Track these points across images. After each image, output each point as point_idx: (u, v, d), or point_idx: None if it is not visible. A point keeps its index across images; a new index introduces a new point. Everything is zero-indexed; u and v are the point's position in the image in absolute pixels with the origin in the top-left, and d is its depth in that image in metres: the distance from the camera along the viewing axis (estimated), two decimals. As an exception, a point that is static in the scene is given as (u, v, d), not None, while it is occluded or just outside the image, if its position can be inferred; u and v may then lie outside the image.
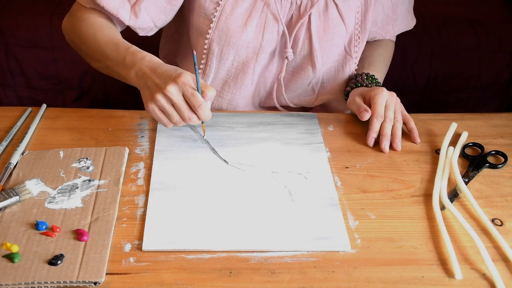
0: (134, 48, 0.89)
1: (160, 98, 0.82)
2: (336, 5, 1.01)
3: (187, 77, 0.82)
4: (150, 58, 0.87)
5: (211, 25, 0.99)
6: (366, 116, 0.94)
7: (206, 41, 1.01)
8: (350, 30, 1.05)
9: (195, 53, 0.84)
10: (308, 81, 1.08)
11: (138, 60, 0.87)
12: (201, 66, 1.05)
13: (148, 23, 1.00)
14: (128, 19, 0.97)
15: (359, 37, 1.07)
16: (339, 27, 1.02)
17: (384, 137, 0.93)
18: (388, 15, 1.12)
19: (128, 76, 0.88)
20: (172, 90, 0.81)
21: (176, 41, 1.12)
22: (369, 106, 0.96)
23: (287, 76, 1.08)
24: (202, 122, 0.90)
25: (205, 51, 1.03)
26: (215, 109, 1.11)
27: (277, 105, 1.11)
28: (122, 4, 0.96)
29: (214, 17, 0.98)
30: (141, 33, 1.02)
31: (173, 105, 0.83)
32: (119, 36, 0.95)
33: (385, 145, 0.92)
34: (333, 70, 1.09)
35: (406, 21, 1.18)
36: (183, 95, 0.82)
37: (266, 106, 1.14)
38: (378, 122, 0.94)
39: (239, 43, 1.00)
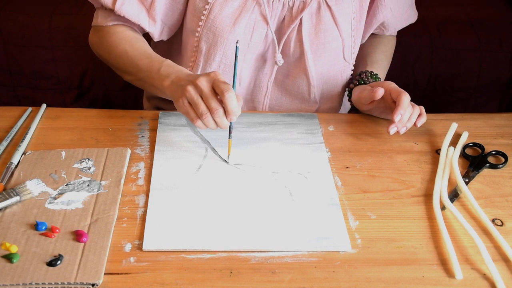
0: (169, 61, 0.93)
1: (190, 88, 0.83)
2: (329, 7, 0.99)
3: (220, 74, 0.84)
4: (187, 71, 0.91)
5: (200, 23, 0.99)
6: (380, 92, 0.92)
7: (196, 39, 1.01)
8: (345, 36, 1.02)
9: (238, 45, 0.84)
10: (304, 86, 1.06)
11: (175, 71, 0.90)
12: (190, 64, 1.05)
13: (163, 25, 1.03)
14: (148, 25, 1.01)
15: (355, 43, 1.06)
16: (331, 30, 1.00)
17: (399, 123, 0.91)
18: (395, 16, 1.11)
19: (162, 85, 0.90)
20: (203, 80, 0.82)
21: (168, 41, 1.12)
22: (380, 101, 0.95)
23: (282, 80, 1.06)
24: (230, 129, 0.87)
25: (195, 49, 1.03)
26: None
27: (266, 109, 1.09)
28: (140, 11, 0.99)
29: (203, 16, 0.98)
30: (157, 38, 1.05)
31: (201, 96, 0.83)
32: (150, 49, 0.99)
33: (393, 129, 0.90)
34: (333, 79, 1.07)
35: (408, 17, 1.16)
36: (213, 86, 0.82)
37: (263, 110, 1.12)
38: (406, 114, 0.91)
39: (226, 43, 0.99)
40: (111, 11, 1.00)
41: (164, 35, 1.05)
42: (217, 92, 0.82)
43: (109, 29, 1.02)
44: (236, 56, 0.85)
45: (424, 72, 1.61)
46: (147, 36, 1.05)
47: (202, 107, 0.82)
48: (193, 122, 0.84)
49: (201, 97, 0.82)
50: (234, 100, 0.81)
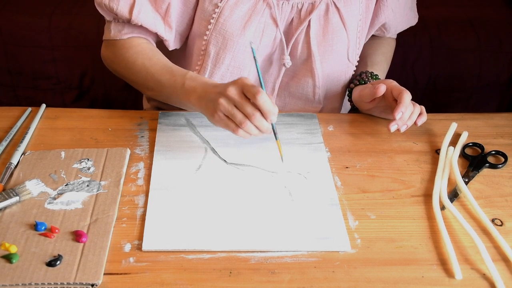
0: (191, 73, 0.91)
1: (222, 101, 0.82)
2: (338, 9, 0.99)
3: (246, 78, 0.83)
4: (211, 81, 0.89)
5: (209, 27, 0.98)
6: (382, 89, 0.92)
7: (204, 43, 1.00)
8: (351, 37, 1.03)
9: (252, 45, 0.84)
10: (309, 87, 1.06)
11: (199, 84, 0.88)
12: (196, 68, 1.04)
13: (175, 32, 1.01)
14: (164, 33, 0.99)
15: (359, 44, 1.06)
16: (339, 32, 1.01)
17: (399, 120, 0.91)
18: (397, 18, 1.11)
19: (189, 100, 0.89)
20: (232, 89, 0.82)
21: None
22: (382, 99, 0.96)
23: (287, 81, 1.06)
24: (274, 130, 0.87)
25: (202, 52, 1.02)
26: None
27: None
28: (156, 18, 0.97)
29: (212, 19, 0.97)
30: (172, 46, 1.03)
31: (235, 105, 0.82)
32: (168, 61, 0.97)
33: (394, 127, 0.90)
34: (337, 80, 1.07)
35: (408, 19, 1.17)
36: (243, 91, 0.82)
37: None
38: (407, 112, 0.91)
39: (236, 46, 0.98)
40: (124, 23, 0.98)
41: (176, 42, 1.04)
42: (248, 97, 0.81)
43: (124, 42, 0.99)
44: (254, 57, 0.85)
45: (424, 72, 1.61)
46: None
47: (239, 116, 0.82)
48: (235, 132, 0.84)
49: (235, 107, 0.82)
50: (267, 100, 0.81)
